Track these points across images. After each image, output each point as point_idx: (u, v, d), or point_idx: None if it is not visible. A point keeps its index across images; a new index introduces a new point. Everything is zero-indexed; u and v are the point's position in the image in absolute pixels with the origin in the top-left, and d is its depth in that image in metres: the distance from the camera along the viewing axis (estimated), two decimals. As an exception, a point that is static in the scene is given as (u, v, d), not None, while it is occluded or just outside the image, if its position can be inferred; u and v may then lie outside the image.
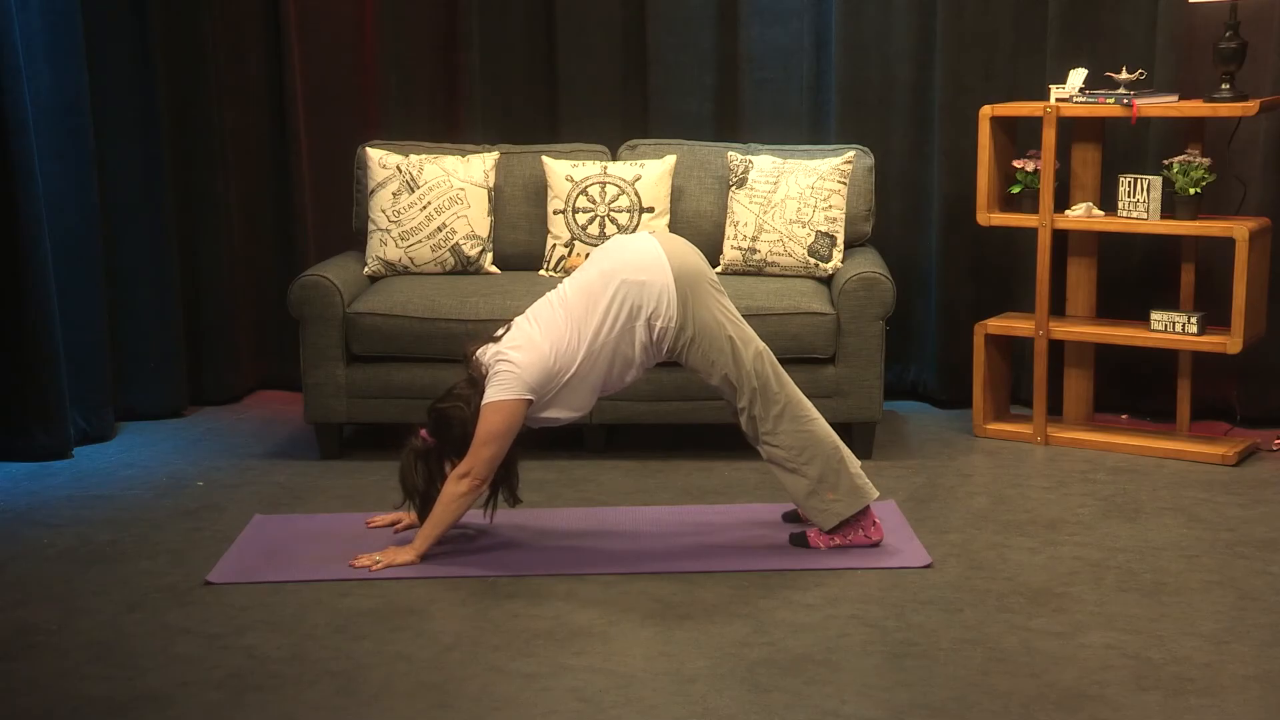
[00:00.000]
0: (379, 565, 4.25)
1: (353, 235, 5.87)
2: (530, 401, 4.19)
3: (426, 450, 4.30)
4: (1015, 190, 5.49)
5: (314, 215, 6.20)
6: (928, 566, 4.24)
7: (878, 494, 4.38)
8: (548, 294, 4.36)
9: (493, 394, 4.17)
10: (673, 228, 5.64)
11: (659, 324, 4.21)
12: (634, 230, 5.53)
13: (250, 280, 6.29)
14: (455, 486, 4.22)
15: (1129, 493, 4.91)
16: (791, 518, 4.58)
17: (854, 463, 4.36)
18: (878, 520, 4.40)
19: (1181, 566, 4.25)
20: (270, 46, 6.13)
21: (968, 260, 5.93)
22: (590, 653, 3.70)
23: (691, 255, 4.31)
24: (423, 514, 4.33)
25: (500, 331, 4.32)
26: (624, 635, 3.80)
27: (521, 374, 4.16)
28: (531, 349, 4.19)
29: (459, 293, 5.33)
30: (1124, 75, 5.25)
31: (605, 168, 5.64)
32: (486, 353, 4.26)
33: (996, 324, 5.57)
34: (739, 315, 4.35)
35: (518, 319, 4.34)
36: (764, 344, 4.35)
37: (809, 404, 4.37)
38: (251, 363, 6.35)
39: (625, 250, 4.30)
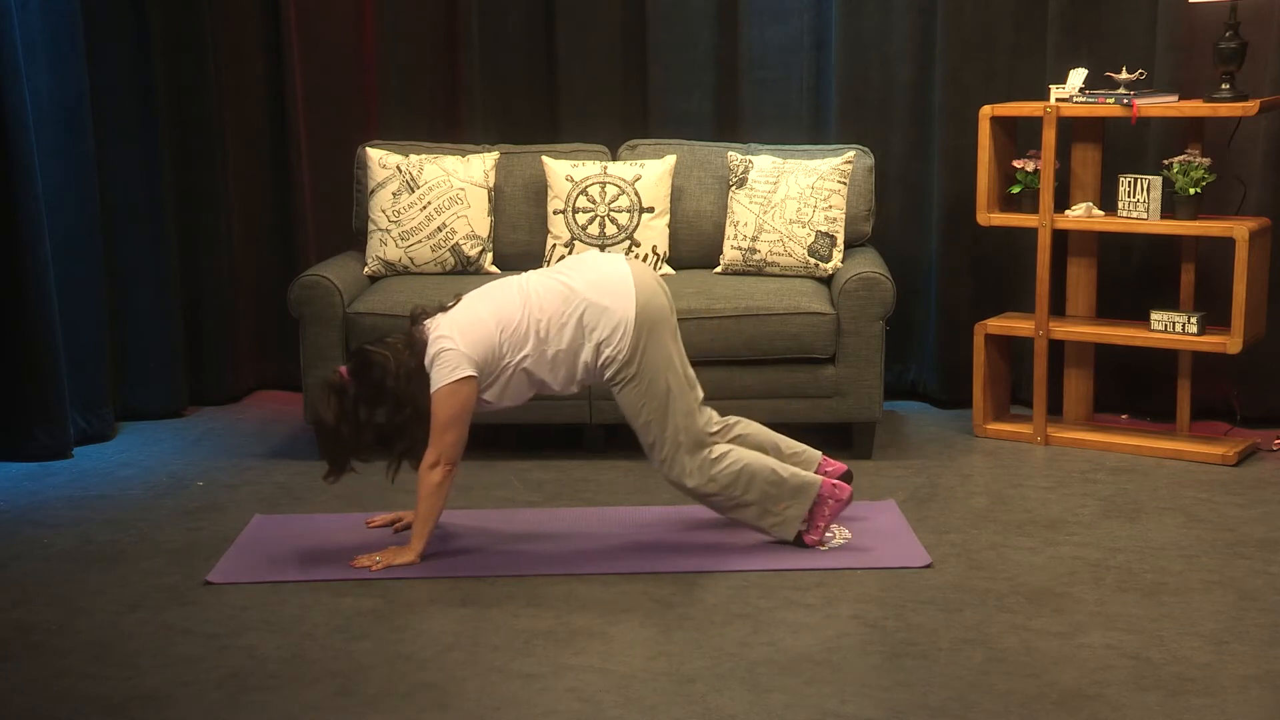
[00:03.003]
0: (379, 565, 4.25)
1: (353, 235, 5.87)
2: (475, 378, 4.18)
3: (341, 387, 4.22)
4: (1015, 190, 5.49)
5: (314, 215, 6.20)
6: (928, 566, 4.24)
7: (819, 478, 4.35)
8: (511, 278, 4.36)
9: (439, 378, 4.16)
10: (673, 228, 5.65)
11: (607, 351, 4.20)
12: (634, 230, 5.54)
13: (250, 280, 6.29)
14: (430, 477, 4.21)
15: (1129, 493, 4.91)
16: None
17: (787, 451, 4.42)
18: (836, 481, 4.37)
19: (1181, 566, 4.25)
20: (270, 46, 6.13)
21: (967, 260, 5.93)
22: (590, 653, 3.70)
23: (659, 296, 4.29)
24: (328, 454, 4.25)
25: (451, 303, 4.32)
26: (624, 635, 3.80)
27: (464, 350, 4.16)
28: (477, 327, 4.19)
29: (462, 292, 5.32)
30: (1124, 75, 5.25)
31: (605, 168, 5.64)
32: (434, 323, 4.25)
33: (996, 324, 5.57)
34: (687, 367, 4.34)
35: (469, 295, 4.34)
36: (700, 394, 4.34)
37: (736, 424, 4.42)
38: (251, 363, 6.35)
39: (598, 270, 4.29)
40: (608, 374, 4.24)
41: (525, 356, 4.22)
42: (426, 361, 4.19)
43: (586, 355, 4.22)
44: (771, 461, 4.34)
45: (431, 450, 4.21)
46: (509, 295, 4.27)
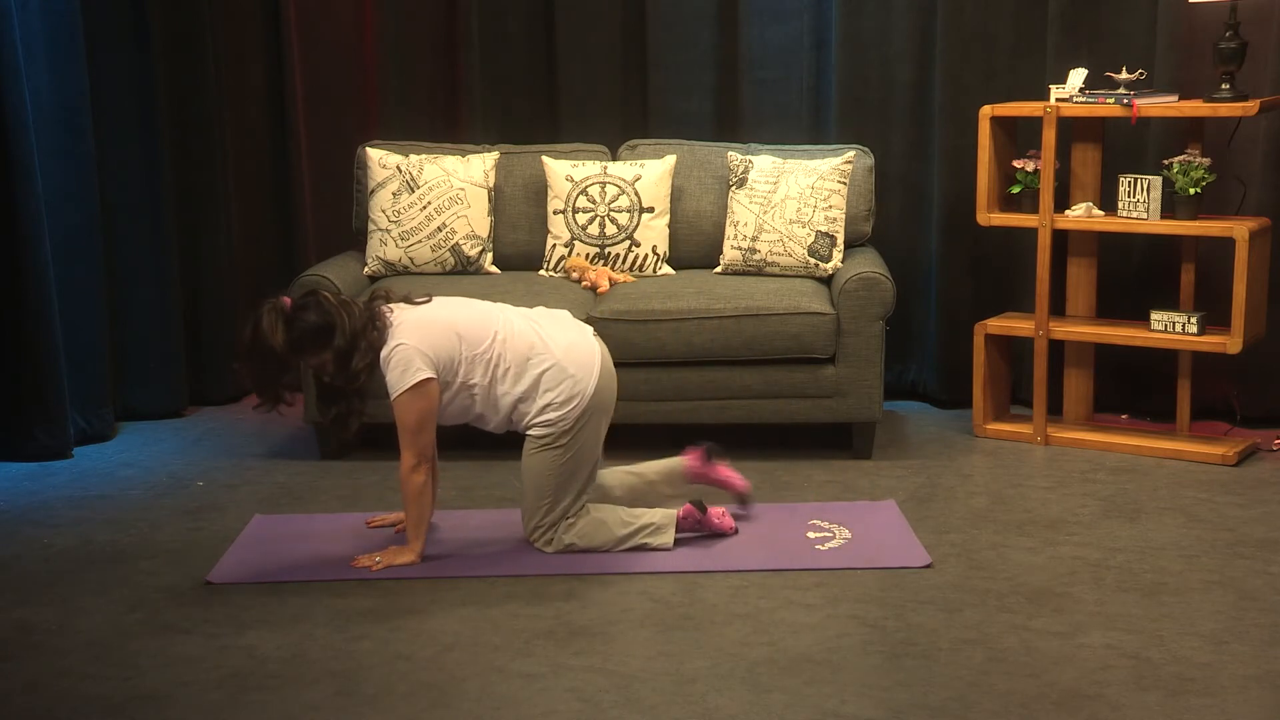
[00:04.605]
0: (379, 565, 4.25)
1: (353, 235, 5.87)
2: (435, 379, 4.17)
3: (287, 315, 4.15)
4: (1015, 190, 5.49)
5: (314, 215, 6.21)
6: (928, 566, 4.24)
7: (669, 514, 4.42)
8: (490, 306, 4.36)
9: (400, 380, 4.12)
10: (673, 228, 5.65)
11: (551, 414, 4.22)
12: (634, 230, 5.55)
13: (250, 280, 6.29)
14: (413, 480, 4.21)
15: (1129, 493, 4.91)
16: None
17: (652, 475, 4.54)
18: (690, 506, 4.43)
19: (1181, 566, 4.25)
20: (270, 47, 6.13)
21: (967, 260, 5.93)
22: (590, 653, 3.70)
23: (613, 382, 4.35)
24: (265, 379, 4.17)
25: (421, 300, 4.31)
26: (624, 635, 3.80)
27: (423, 349, 4.14)
28: (438, 333, 4.18)
29: (459, 293, 5.30)
30: (1124, 75, 5.25)
31: (605, 168, 5.64)
32: (396, 312, 4.23)
33: (996, 324, 5.57)
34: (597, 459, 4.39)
35: (441, 299, 4.34)
36: (581, 500, 4.39)
37: (599, 481, 4.47)
38: (251, 363, 6.35)
39: (571, 336, 4.31)
40: (537, 433, 4.25)
41: (475, 385, 4.23)
42: (383, 354, 4.16)
43: (528, 407, 4.24)
44: (619, 510, 4.39)
45: (409, 454, 4.20)
46: (484, 321, 4.27)
